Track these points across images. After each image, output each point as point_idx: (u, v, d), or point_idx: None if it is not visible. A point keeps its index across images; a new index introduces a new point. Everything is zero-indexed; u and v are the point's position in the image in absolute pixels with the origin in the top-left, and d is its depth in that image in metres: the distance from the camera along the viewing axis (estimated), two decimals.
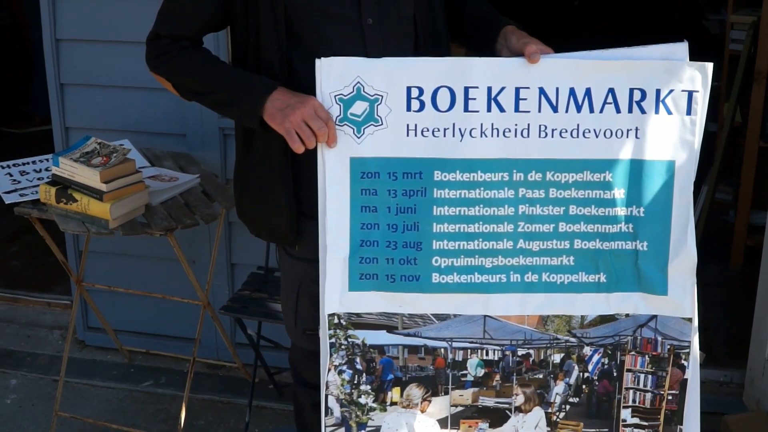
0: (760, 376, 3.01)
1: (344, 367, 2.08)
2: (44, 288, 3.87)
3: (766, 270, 2.98)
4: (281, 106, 1.97)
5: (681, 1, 7.27)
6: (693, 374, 2.09)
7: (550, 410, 2.11)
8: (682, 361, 2.08)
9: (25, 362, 3.55)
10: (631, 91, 1.99)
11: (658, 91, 1.99)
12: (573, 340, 2.08)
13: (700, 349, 2.11)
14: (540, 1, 7.37)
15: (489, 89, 1.98)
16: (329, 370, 2.08)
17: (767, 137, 3.75)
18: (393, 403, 2.10)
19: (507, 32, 2.10)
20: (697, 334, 2.08)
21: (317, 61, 1.96)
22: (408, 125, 1.99)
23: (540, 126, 1.99)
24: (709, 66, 1.99)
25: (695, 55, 2.00)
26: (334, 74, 1.96)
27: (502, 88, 1.98)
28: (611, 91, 1.98)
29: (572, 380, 2.10)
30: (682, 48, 2.00)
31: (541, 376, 2.09)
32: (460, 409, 2.11)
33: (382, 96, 1.97)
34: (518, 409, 2.11)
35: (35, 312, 3.79)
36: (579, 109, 1.99)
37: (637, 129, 2.00)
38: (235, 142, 2.28)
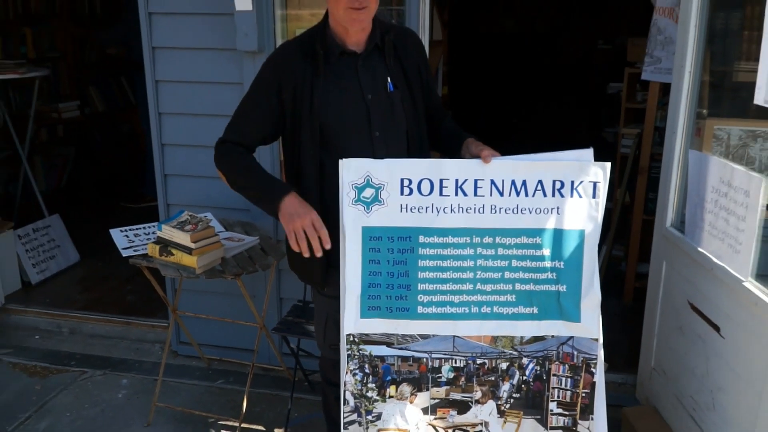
0: (647, 380, 2.98)
1: (357, 371, 2.06)
2: (149, 314, 3.85)
3: (649, 304, 2.98)
4: (290, 211, 1.96)
5: (587, 119, 7.36)
6: (599, 378, 2.07)
7: (499, 402, 2.09)
8: (592, 369, 2.06)
9: (133, 367, 3.52)
10: (554, 181, 2.00)
11: (572, 182, 2.00)
12: (515, 353, 2.06)
13: (605, 360, 2.09)
14: (490, 119, 7.47)
15: (456, 180, 1.99)
16: (346, 373, 2.06)
17: (649, 212, 3.76)
18: (390, 397, 2.08)
19: (468, 142, 2.12)
20: (602, 349, 2.06)
21: (340, 161, 1.98)
22: (401, 204, 2.00)
23: (491, 205, 2.01)
24: (608, 165, 2.01)
25: (597, 157, 2.02)
26: (352, 170, 1.98)
27: (465, 180, 1.99)
28: (540, 181, 2.00)
29: (515, 381, 2.08)
30: (588, 152, 2.02)
31: (493, 378, 2.08)
32: (437, 401, 2.09)
33: (384, 185, 1.99)
34: (477, 402, 2.09)
35: (142, 331, 3.78)
36: (518, 194, 2.00)
37: (558, 208, 2.01)
38: None
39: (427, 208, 2.00)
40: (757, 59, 2.20)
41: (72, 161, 5.96)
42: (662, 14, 3.43)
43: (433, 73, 4.39)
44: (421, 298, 2.02)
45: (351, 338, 2.04)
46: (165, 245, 2.75)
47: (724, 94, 2.83)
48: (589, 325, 2.04)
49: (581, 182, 2.00)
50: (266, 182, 2.07)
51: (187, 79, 3.23)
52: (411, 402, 2.09)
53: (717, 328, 2.40)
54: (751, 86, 2.23)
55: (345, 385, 2.07)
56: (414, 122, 2.16)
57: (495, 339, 2.06)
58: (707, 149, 2.66)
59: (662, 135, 2.95)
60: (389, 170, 1.99)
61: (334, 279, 2.10)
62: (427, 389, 2.08)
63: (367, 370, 2.07)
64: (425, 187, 1.99)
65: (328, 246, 1.95)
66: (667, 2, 3.40)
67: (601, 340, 2.05)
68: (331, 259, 2.10)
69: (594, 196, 2.01)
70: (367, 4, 1.98)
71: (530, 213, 2.01)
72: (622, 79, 4.07)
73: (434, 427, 2.10)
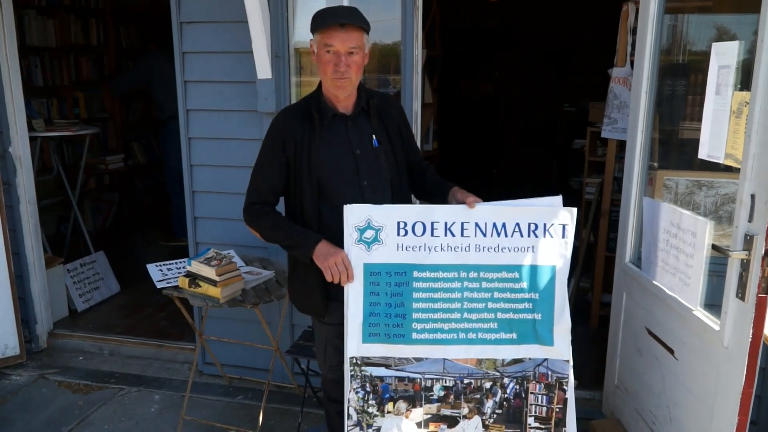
0: (612, 396, 2.93)
1: (359, 389, 2.03)
2: (179, 338, 3.80)
3: (612, 329, 2.94)
4: (324, 253, 1.98)
5: (556, 170, 7.40)
6: (571, 395, 2.04)
7: (484, 417, 2.05)
8: (564, 387, 2.03)
9: (164, 384, 3.46)
10: (529, 224, 2.00)
11: (545, 224, 2.00)
12: (497, 374, 2.03)
13: (574, 379, 2.06)
14: (474, 169, 7.51)
15: (446, 223, 1.99)
16: (350, 391, 2.02)
17: (610, 250, 3.74)
18: (389, 412, 2.04)
19: (455, 190, 2.12)
20: (573, 370, 2.03)
21: (345, 207, 1.97)
22: (398, 244, 1.99)
23: (476, 245, 2.00)
24: (574, 210, 2.01)
25: (565, 203, 2.02)
26: (355, 214, 1.98)
27: (453, 222, 1.99)
28: (517, 224, 2.00)
29: (497, 399, 2.04)
30: (558, 199, 2.02)
31: (478, 396, 2.04)
32: (429, 416, 2.05)
33: (382, 227, 1.98)
34: (464, 417, 2.05)
35: (173, 353, 3.72)
36: (499, 234, 2.00)
37: (533, 246, 2.00)
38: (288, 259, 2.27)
39: (420, 247, 1.99)
40: (699, 119, 2.22)
41: (116, 205, 5.95)
42: (618, 82, 3.48)
43: (425, 131, 4.42)
44: (415, 325, 2.00)
45: (354, 361, 2.01)
46: (193, 278, 2.73)
47: (671, 150, 2.85)
48: (561, 349, 2.01)
49: (552, 224, 2.00)
50: (298, 234, 2.06)
51: (215, 136, 3.25)
52: (407, 417, 2.04)
53: (671, 351, 2.36)
54: (695, 143, 2.25)
55: (348, 401, 2.03)
56: (396, 172, 2.16)
57: (480, 361, 2.03)
58: (659, 196, 2.66)
59: (620, 184, 2.96)
60: (387, 214, 1.98)
61: (333, 309, 2.08)
62: (421, 405, 2.04)
63: (368, 389, 2.03)
64: (419, 228, 1.99)
65: (352, 280, 1.98)
66: (621, 73, 3.46)
67: (571, 362, 2.03)
68: (330, 292, 2.08)
69: (564, 236, 2.00)
70: (349, 75, 2.00)
71: (509, 251, 2.00)
72: (585, 136, 4.10)
73: None
